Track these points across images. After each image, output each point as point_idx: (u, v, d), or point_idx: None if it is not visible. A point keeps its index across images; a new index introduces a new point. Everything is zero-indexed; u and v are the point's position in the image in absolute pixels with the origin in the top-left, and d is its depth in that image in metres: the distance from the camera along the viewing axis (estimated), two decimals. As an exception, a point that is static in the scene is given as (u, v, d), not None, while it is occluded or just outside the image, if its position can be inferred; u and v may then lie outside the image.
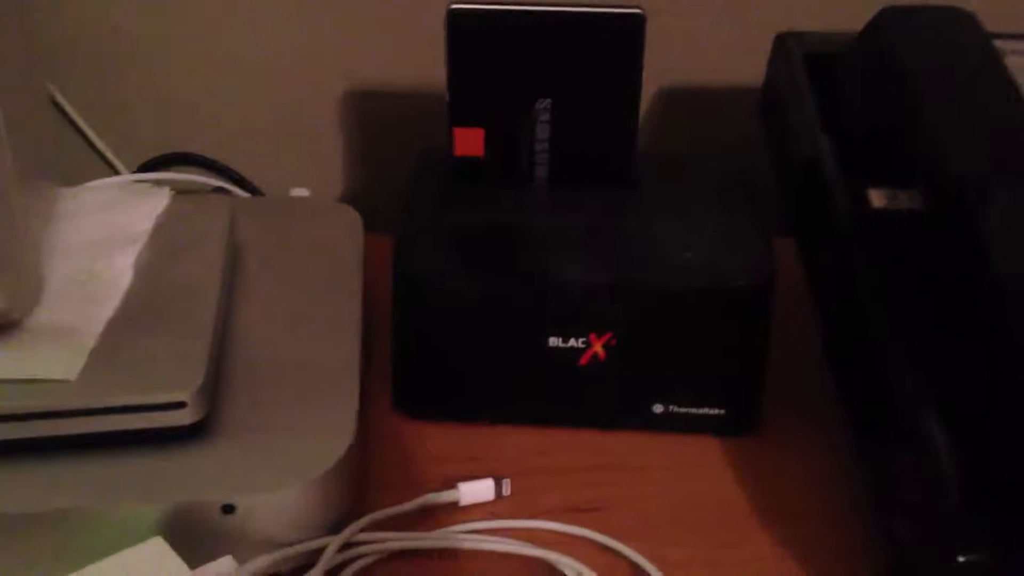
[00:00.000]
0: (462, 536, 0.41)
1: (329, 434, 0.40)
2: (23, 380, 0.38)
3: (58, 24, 0.57)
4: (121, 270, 0.44)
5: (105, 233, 0.46)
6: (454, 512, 0.42)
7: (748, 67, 0.56)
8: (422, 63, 0.56)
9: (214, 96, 0.60)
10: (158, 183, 0.53)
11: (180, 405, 0.38)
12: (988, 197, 0.39)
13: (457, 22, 0.45)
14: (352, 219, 0.52)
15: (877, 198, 0.44)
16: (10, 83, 0.41)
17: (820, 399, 0.46)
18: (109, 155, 0.60)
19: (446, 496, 0.42)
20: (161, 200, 0.48)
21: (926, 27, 0.46)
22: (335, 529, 0.39)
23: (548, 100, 0.46)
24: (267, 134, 0.61)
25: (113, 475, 0.38)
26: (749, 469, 0.45)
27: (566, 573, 0.40)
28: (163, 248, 0.46)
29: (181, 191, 0.50)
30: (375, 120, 0.61)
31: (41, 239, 0.44)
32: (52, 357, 0.38)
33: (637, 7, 0.45)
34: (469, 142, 0.47)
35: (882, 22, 0.47)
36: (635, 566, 0.40)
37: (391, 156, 0.60)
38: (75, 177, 0.52)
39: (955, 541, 0.35)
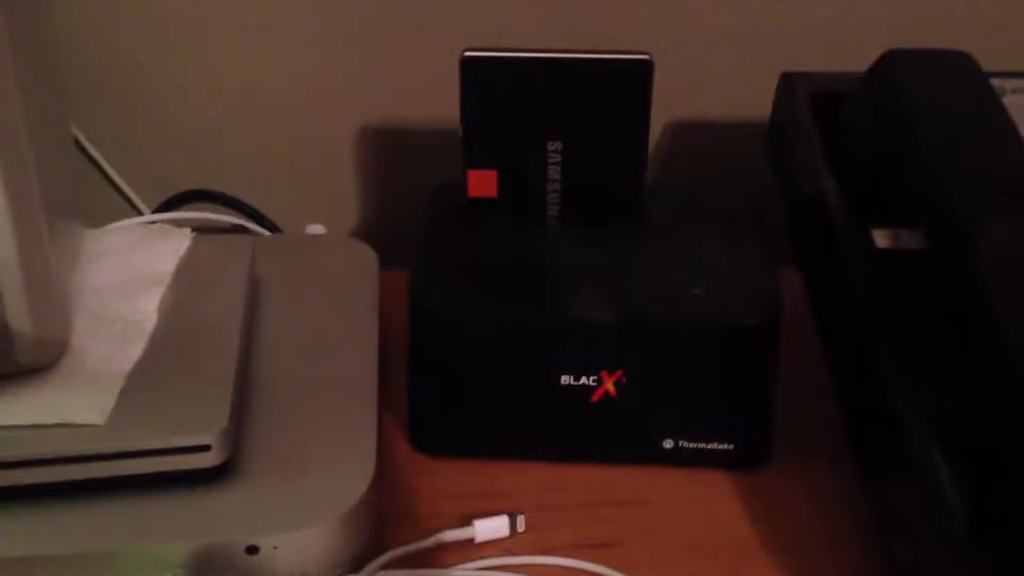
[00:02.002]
0: (478, 573, 0.42)
1: (349, 473, 0.41)
2: (54, 424, 0.39)
3: (80, 64, 0.58)
4: (147, 313, 0.45)
5: (130, 275, 0.47)
6: (470, 548, 0.43)
7: (755, 101, 0.57)
8: (436, 101, 0.57)
9: (233, 134, 0.61)
10: (179, 221, 0.54)
11: (205, 448, 0.39)
12: (985, 229, 0.40)
13: (471, 68, 0.46)
14: (368, 256, 0.54)
15: (881, 238, 0.45)
16: (41, 126, 0.42)
17: (829, 428, 0.47)
18: (129, 192, 0.62)
19: (462, 533, 0.43)
20: (183, 241, 0.50)
21: (928, 69, 0.47)
22: (356, 566, 0.40)
23: (559, 142, 0.48)
24: (284, 170, 0.62)
25: (138, 517, 0.39)
26: (758, 501, 0.46)
27: (580, 609, 0.41)
28: (186, 289, 0.47)
29: (201, 228, 0.51)
30: (390, 156, 0.62)
31: (69, 282, 0.45)
32: (82, 401, 0.40)
33: (645, 53, 0.46)
34: (483, 184, 0.49)
35: (886, 64, 0.48)
36: (648, 601, 0.41)
37: (405, 192, 0.61)
38: (95, 214, 0.53)
39: (960, 569, 0.36)
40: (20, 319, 0.39)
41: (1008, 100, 0.49)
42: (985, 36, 0.55)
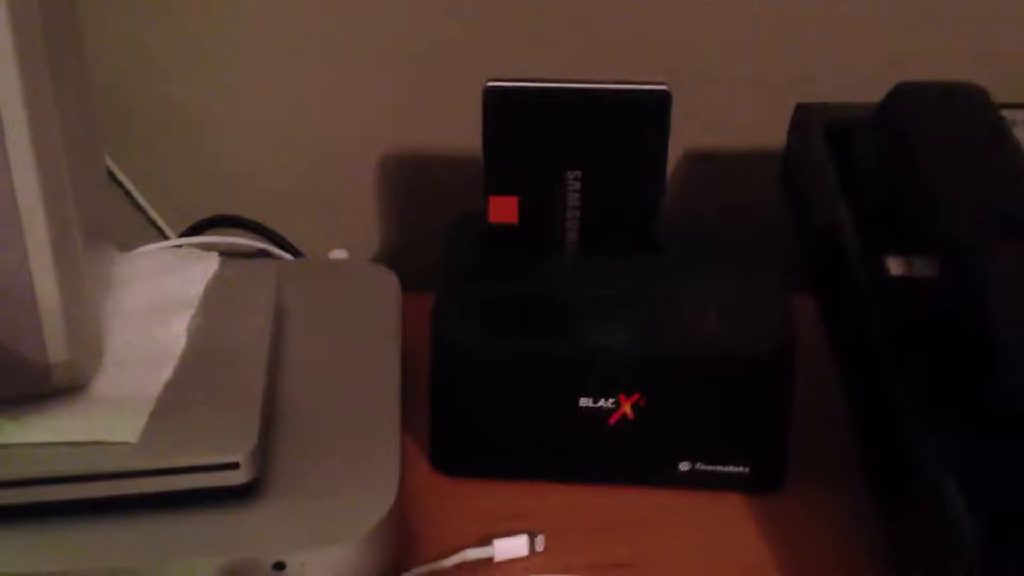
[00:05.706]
0: (498, 591, 0.43)
1: (374, 492, 0.42)
2: (87, 442, 0.40)
3: (111, 96, 0.60)
4: (176, 335, 0.46)
5: (160, 298, 0.48)
6: (489, 567, 0.44)
7: (770, 132, 0.58)
8: (457, 130, 0.58)
9: (258, 161, 0.63)
10: (204, 246, 0.55)
11: (234, 466, 0.40)
12: (991, 261, 0.41)
13: (493, 99, 0.48)
14: (390, 281, 0.55)
15: (894, 266, 0.45)
16: (77, 155, 0.43)
17: (844, 452, 0.48)
18: (157, 219, 0.63)
19: (482, 552, 0.44)
20: (211, 265, 0.51)
21: (940, 100, 0.49)
22: (378, 583, 0.41)
23: (579, 171, 0.49)
24: (308, 197, 0.63)
25: (167, 534, 0.40)
26: (773, 524, 0.46)
27: (598, 627, 0.41)
28: (213, 312, 0.48)
29: (226, 253, 0.53)
30: (411, 183, 0.63)
31: (102, 304, 0.46)
32: (115, 420, 0.41)
33: (663, 83, 0.47)
34: (503, 209, 0.50)
35: (897, 95, 0.49)
36: (664, 621, 0.42)
37: (426, 218, 0.62)
38: (123, 239, 0.54)
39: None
40: (56, 340, 0.40)
41: (1020, 132, 0.50)
42: (996, 67, 0.56)
